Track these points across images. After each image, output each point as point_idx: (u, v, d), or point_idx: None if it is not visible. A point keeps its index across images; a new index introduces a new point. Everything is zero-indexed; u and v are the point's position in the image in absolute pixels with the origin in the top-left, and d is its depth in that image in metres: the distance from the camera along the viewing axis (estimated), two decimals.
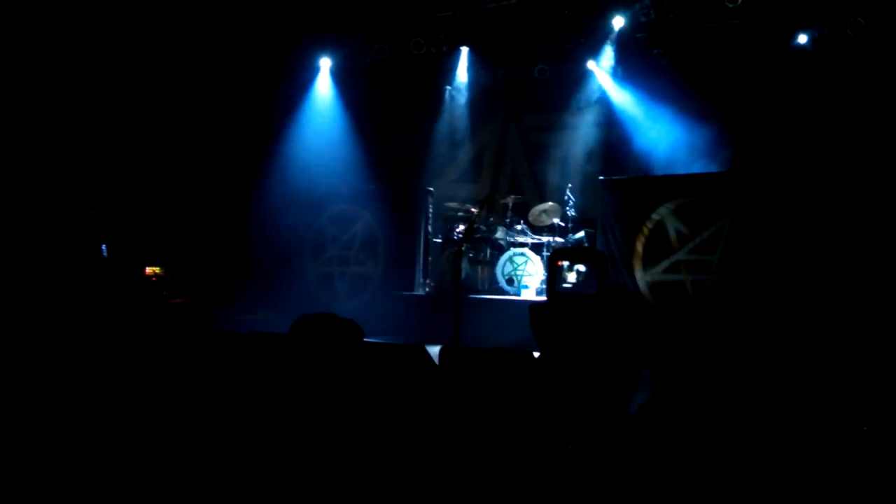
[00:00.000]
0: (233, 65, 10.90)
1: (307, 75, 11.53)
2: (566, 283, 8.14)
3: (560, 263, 8.24)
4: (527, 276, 9.05)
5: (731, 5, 9.39)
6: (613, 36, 10.40)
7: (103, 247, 9.68)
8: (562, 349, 5.81)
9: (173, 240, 10.42)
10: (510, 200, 9.78)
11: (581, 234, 9.42)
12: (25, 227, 8.94)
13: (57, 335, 6.85)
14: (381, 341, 6.75)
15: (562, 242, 9.32)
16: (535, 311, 7.01)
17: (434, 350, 4.05)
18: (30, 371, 4.73)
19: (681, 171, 9.35)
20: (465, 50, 11.19)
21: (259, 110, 11.32)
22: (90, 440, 3.68)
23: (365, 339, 4.19)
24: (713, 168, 9.34)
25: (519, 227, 9.45)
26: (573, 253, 8.80)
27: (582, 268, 8.03)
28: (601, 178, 9.10)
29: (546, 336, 5.88)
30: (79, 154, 9.72)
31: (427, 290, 9.68)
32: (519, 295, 8.89)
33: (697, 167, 9.41)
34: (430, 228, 9.91)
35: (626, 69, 10.52)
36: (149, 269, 9.95)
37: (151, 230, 10.35)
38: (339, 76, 11.59)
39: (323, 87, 11.57)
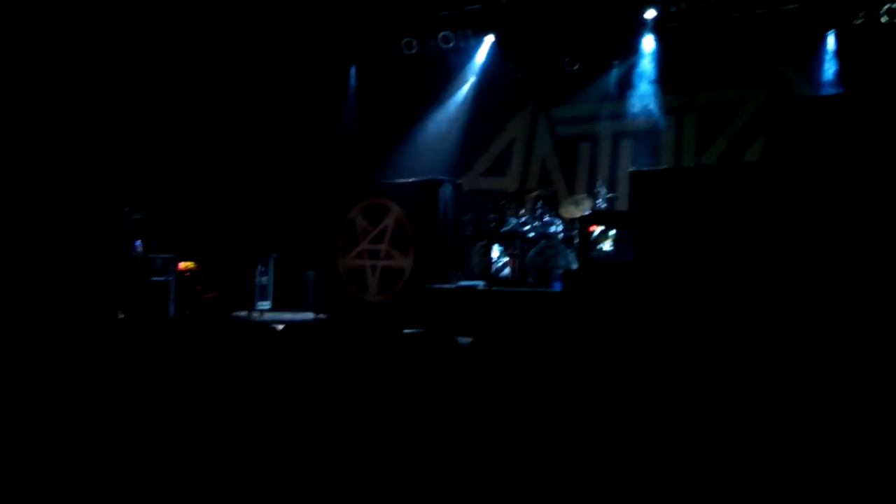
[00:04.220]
0: (264, 62, 11.00)
1: (340, 72, 11.65)
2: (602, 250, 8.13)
3: (592, 229, 8.22)
4: (557, 268, 9.01)
5: None
6: (645, 26, 10.32)
7: (137, 242, 9.83)
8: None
9: (206, 234, 10.54)
10: (540, 193, 9.75)
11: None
12: (61, 223, 9.11)
13: (91, 328, 6.97)
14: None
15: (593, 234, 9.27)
16: (568, 277, 7.01)
17: (464, 342, 4.07)
18: (64, 364, 4.82)
19: None
20: (493, 42, 11.17)
21: (290, 104, 11.41)
22: (123, 432, 3.74)
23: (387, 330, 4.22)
24: None
25: (549, 219, 9.42)
26: (605, 217, 8.71)
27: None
28: (632, 170, 9.04)
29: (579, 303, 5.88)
30: (113, 150, 9.88)
31: (457, 283, 9.69)
32: (550, 288, 8.85)
33: None
34: (460, 221, 9.91)
35: (658, 60, 10.45)
36: (182, 264, 10.08)
37: (185, 225, 10.48)
38: (366, 71, 11.66)
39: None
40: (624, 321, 6.94)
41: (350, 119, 11.64)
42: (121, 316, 8.87)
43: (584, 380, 3.90)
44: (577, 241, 9.09)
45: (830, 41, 9.40)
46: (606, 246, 8.41)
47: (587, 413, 3.55)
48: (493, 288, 8.74)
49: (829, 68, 9.29)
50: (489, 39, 11.12)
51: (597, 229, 8.58)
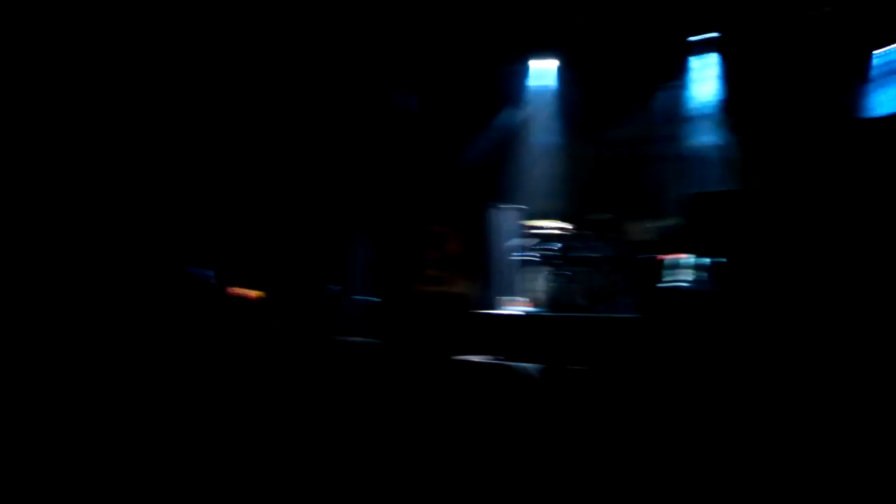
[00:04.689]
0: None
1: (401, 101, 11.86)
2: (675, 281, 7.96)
3: (662, 258, 8.09)
4: (620, 293, 8.92)
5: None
6: (707, 45, 10.21)
7: (209, 272, 10.13)
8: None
9: (275, 263, 10.77)
10: (600, 217, 9.67)
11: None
12: (141, 255, 9.45)
13: (169, 353, 7.20)
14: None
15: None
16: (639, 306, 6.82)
17: (523, 367, 4.07)
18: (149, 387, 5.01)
19: None
20: (550, 64, 11.19)
21: (354, 133, 11.63)
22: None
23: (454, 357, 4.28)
24: None
25: (610, 243, 9.34)
26: (679, 246, 8.60)
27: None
28: (694, 191, 8.92)
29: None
30: (190, 183, 10.24)
31: (513, 308, 9.68)
32: (613, 313, 8.75)
33: None
34: (517, 246, 9.90)
35: (720, 79, 10.32)
36: (251, 293, 10.33)
37: (255, 254, 10.74)
38: (425, 98, 11.82)
39: None
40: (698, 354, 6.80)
41: (411, 147, 11.78)
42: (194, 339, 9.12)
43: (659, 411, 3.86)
44: (640, 266, 9.01)
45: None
46: (682, 275, 8.27)
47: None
48: (556, 313, 8.71)
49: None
50: (546, 63, 11.16)
51: (669, 257, 8.43)
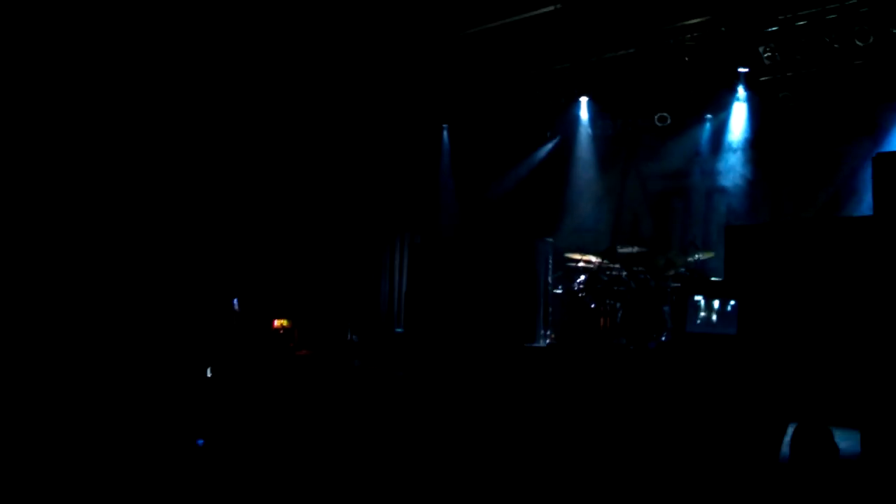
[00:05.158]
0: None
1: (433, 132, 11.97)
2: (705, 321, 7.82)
3: (692, 298, 7.94)
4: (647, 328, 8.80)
5: (860, 43, 9.02)
6: (738, 80, 10.17)
7: (234, 301, 10.13)
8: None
9: (301, 293, 10.76)
10: (632, 250, 9.60)
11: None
12: (163, 283, 9.47)
13: (193, 382, 7.17)
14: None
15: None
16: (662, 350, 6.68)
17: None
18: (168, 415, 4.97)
19: None
20: (584, 100, 11.24)
21: (386, 163, 11.69)
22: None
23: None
24: None
25: (642, 277, 9.23)
26: (708, 285, 8.43)
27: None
28: (727, 225, 8.83)
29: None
30: (214, 211, 10.28)
31: (547, 341, 9.57)
32: (649, 346, 8.62)
33: None
34: (549, 279, 9.83)
35: (751, 113, 10.27)
36: (277, 322, 10.32)
37: (280, 283, 10.74)
38: (458, 130, 11.90)
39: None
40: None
41: (445, 179, 11.83)
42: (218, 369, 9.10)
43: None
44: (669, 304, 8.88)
45: None
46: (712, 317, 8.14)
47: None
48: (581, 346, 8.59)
49: None
50: (579, 97, 11.22)
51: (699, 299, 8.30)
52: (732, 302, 7.80)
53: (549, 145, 11.78)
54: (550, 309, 9.82)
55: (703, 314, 8.08)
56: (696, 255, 9.17)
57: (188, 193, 9.96)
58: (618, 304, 9.07)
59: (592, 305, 9.14)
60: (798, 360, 6.68)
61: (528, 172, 11.82)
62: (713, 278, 8.94)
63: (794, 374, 6.46)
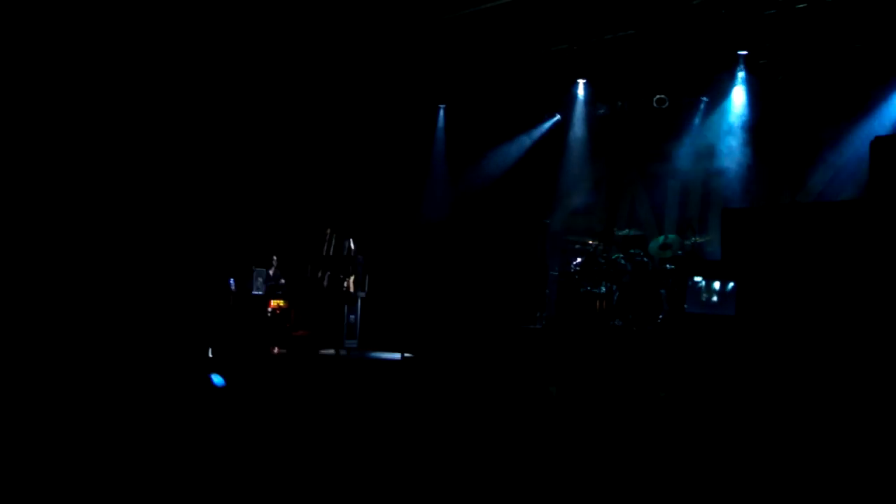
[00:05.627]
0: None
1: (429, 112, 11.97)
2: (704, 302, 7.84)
3: (691, 280, 7.97)
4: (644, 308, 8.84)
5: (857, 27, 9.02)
6: (737, 63, 10.15)
7: (231, 280, 10.15)
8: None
9: (298, 275, 10.77)
10: (629, 232, 9.63)
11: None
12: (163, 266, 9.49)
13: (188, 360, 7.21)
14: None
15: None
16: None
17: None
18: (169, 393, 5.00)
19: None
20: (581, 82, 11.20)
21: (380, 145, 11.69)
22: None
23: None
24: None
25: (638, 259, 9.25)
26: (705, 267, 8.47)
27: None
28: (724, 208, 8.84)
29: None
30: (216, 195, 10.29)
31: (544, 322, 9.61)
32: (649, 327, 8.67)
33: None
34: (547, 261, 9.85)
35: (749, 97, 10.25)
36: (273, 303, 10.34)
37: (278, 265, 10.76)
38: (455, 111, 11.89)
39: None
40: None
41: (438, 158, 11.83)
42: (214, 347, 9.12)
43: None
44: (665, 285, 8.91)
45: None
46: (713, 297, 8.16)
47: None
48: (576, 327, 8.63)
49: None
50: (577, 79, 11.19)
51: (699, 280, 8.33)
52: (731, 283, 7.84)
53: (546, 127, 11.73)
54: (548, 291, 9.86)
55: (704, 296, 8.13)
56: (694, 238, 9.20)
57: (184, 177, 9.96)
58: (614, 287, 9.10)
59: (589, 288, 9.18)
60: (791, 338, 6.74)
61: (524, 154, 11.80)
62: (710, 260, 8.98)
63: (789, 352, 6.52)
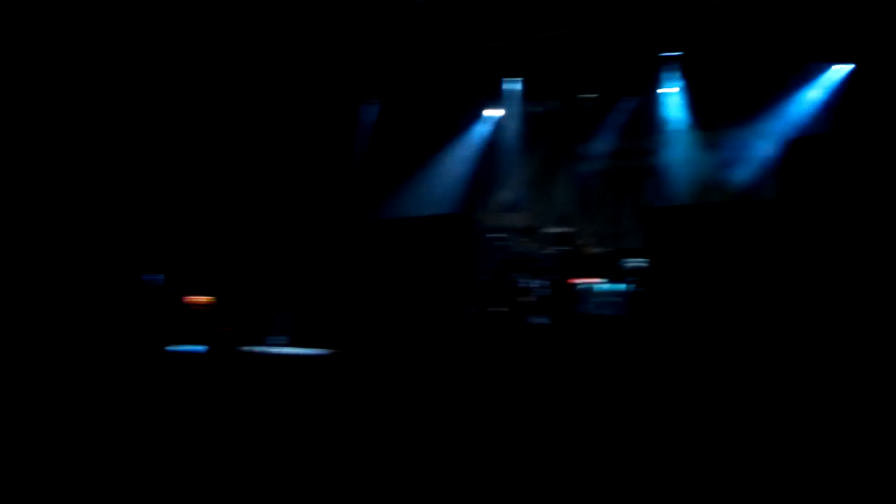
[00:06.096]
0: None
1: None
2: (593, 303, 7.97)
3: (579, 281, 8.12)
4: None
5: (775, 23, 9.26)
6: (665, 62, 10.32)
7: (157, 276, 9.94)
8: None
9: (224, 269, 10.60)
10: (556, 230, 9.71)
11: (630, 262, 9.24)
12: (78, 256, 9.25)
13: (105, 359, 7.05)
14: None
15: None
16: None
17: None
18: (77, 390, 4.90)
19: None
20: (515, 79, 11.25)
21: (306, 141, 11.55)
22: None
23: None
24: None
25: (565, 256, 9.34)
26: (595, 269, 8.60)
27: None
28: (646, 207, 8.98)
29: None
30: (132, 186, 10.05)
31: (471, 318, 9.64)
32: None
33: None
34: (476, 257, 9.87)
35: (678, 96, 10.43)
36: (199, 299, 10.15)
37: (203, 259, 10.57)
38: (384, 106, 11.82)
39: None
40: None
41: (363, 154, 11.75)
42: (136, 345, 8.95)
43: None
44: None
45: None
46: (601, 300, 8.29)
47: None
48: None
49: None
50: (511, 76, 11.23)
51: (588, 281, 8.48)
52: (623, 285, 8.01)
53: (478, 124, 11.77)
54: (476, 287, 9.89)
55: (596, 297, 8.30)
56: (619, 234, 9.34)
57: (110, 170, 9.73)
58: (539, 283, 9.18)
59: (516, 283, 9.24)
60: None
61: (456, 151, 11.81)
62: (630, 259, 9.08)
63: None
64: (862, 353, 5.59)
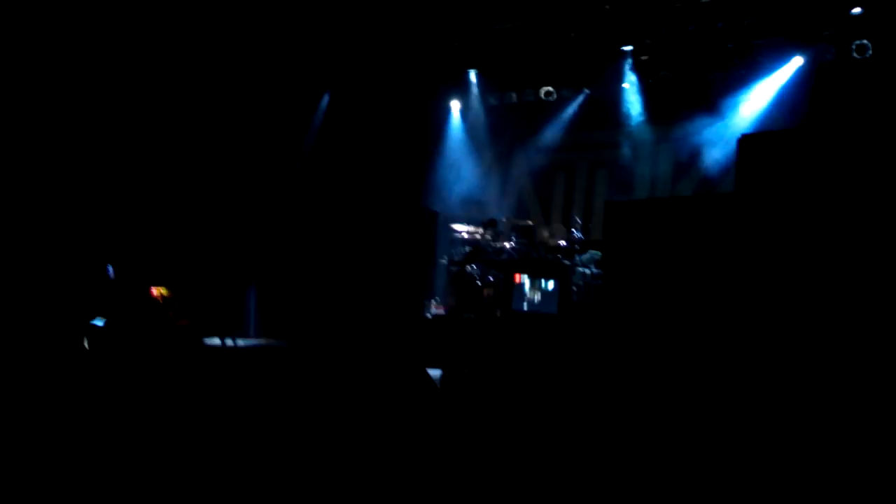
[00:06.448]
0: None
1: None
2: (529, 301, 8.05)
3: (519, 279, 8.21)
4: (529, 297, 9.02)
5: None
6: (621, 57, 10.44)
7: (109, 267, 9.72)
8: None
9: (181, 260, 10.42)
10: (515, 222, 9.78)
11: (588, 255, 9.36)
12: (32, 246, 9.00)
13: (61, 352, 6.88)
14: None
15: (568, 265, 9.27)
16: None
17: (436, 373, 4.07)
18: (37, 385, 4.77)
19: None
20: (472, 71, 11.27)
21: (266, 129, 11.39)
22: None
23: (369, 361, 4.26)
24: None
25: (524, 249, 9.42)
26: (532, 266, 8.70)
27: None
28: (606, 201, 9.11)
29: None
30: (89, 172, 9.80)
31: (434, 312, 9.67)
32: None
33: None
34: (436, 250, 9.91)
35: (634, 91, 10.57)
36: (155, 290, 9.95)
37: (159, 250, 10.36)
38: (341, 98, 11.74)
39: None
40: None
41: (322, 146, 11.64)
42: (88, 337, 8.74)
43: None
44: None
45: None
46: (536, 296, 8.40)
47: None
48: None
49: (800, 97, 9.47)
50: (468, 69, 11.25)
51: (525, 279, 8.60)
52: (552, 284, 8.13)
53: (435, 116, 11.76)
54: (437, 280, 9.93)
55: (529, 294, 8.42)
56: (576, 227, 9.44)
57: (65, 162, 9.48)
58: (501, 276, 9.24)
59: (476, 276, 9.28)
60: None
61: (415, 143, 11.79)
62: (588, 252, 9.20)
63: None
64: (823, 350, 5.75)
